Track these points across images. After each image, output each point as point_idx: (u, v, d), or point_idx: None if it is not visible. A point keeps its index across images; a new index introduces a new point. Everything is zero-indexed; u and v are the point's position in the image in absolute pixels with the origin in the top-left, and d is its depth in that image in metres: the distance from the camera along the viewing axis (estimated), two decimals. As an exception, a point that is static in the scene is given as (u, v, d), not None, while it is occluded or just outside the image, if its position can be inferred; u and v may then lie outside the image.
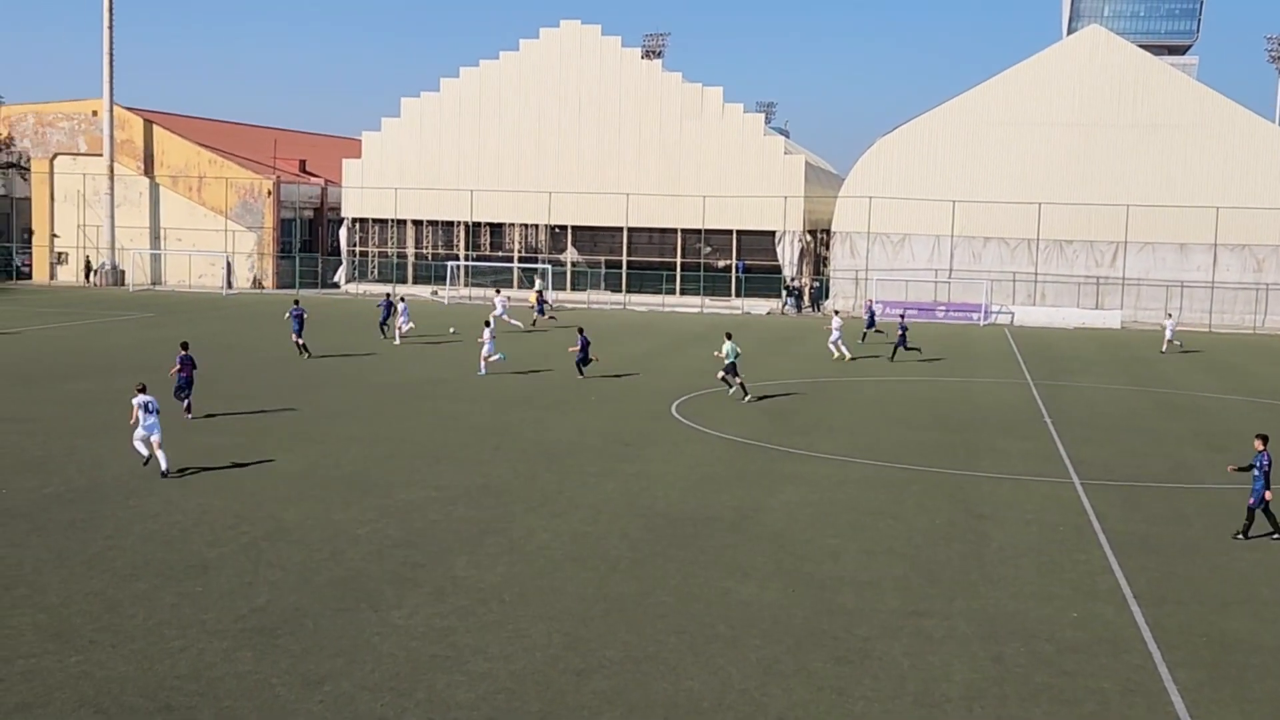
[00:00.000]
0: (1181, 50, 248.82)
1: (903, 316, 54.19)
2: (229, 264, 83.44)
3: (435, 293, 79.77)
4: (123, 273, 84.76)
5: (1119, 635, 16.73)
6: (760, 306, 76.28)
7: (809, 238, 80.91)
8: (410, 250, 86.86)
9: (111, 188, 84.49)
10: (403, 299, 55.48)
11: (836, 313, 54.86)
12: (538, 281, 72.22)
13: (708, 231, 79.81)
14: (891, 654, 15.70)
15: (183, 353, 31.98)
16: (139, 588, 17.39)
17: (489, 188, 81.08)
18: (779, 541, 20.94)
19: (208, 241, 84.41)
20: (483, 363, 41.80)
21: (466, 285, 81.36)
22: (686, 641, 15.88)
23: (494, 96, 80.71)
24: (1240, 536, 21.89)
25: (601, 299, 78.49)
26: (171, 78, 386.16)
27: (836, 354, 49.19)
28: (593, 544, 20.40)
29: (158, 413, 24.72)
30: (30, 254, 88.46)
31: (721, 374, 38.15)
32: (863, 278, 75.13)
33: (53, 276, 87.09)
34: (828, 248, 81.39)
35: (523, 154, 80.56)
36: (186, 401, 31.60)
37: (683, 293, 79.46)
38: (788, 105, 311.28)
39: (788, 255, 76.84)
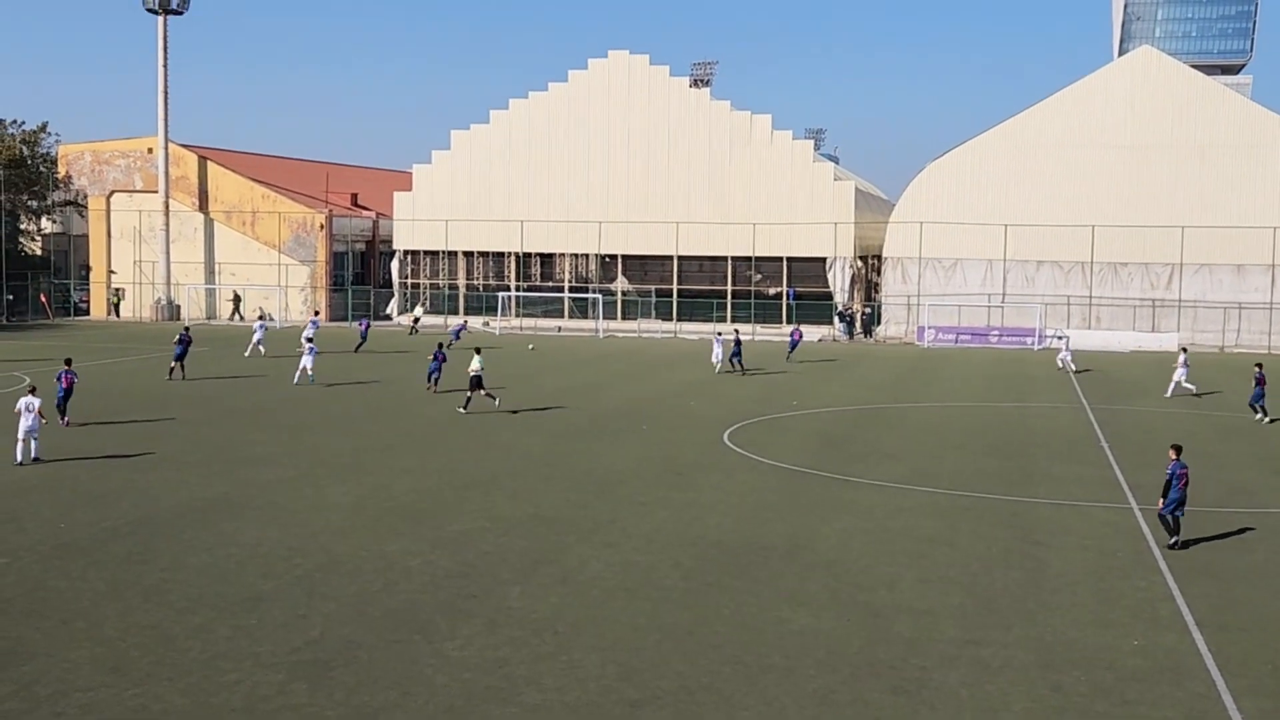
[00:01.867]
0: (1235, 70, 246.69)
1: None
2: (279, 297, 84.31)
3: (487, 323, 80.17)
4: (178, 307, 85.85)
5: (1181, 663, 16.44)
6: (812, 333, 76.01)
7: (860, 264, 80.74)
8: (461, 281, 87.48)
9: (167, 224, 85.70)
10: (261, 318, 58.54)
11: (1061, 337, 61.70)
12: (419, 309, 75.32)
13: (758, 259, 79.81)
14: (949, 684, 15.51)
15: (65, 368, 36.21)
16: (194, 621, 17.51)
17: (539, 218, 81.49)
18: (833, 570, 20.79)
19: (262, 276, 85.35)
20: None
21: (518, 315, 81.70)
22: (741, 672, 15.76)
23: (543, 128, 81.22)
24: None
25: (652, 327, 78.54)
26: (225, 114, 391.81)
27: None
28: (645, 573, 20.33)
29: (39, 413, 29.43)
30: (89, 290, 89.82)
31: (483, 392, 39.43)
32: (915, 303, 74.78)
33: (109, 313, 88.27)
34: (879, 273, 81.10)
35: (572, 184, 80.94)
36: (64, 415, 35.39)
37: (734, 320, 79.37)
38: (837, 131, 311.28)
39: (839, 281, 76.62)
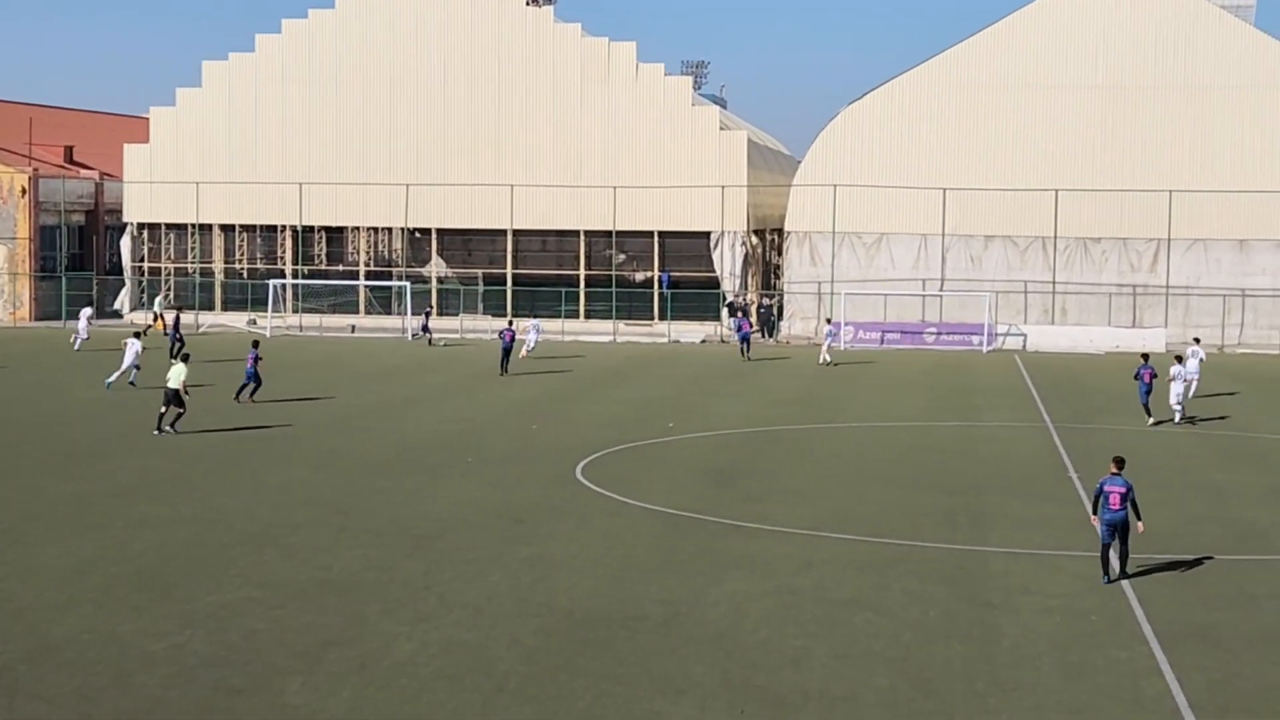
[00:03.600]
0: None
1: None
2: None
3: (253, 321, 79.17)
4: None
5: (1173, 757, 16.94)
6: (693, 332, 76.57)
7: (755, 240, 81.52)
8: (218, 265, 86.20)
9: None
10: None
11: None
12: (159, 301, 74.91)
13: (620, 234, 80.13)
14: (875, 791, 15.76)
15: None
16: None
17: (324, 180, 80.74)
18: (724, 645, 20.97)
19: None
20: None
21: (296, 310, 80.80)
22: (602, 783, 15.82)
23: (328, 59, 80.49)
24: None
25: (480, 325, 78.28)
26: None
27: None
28: (473, 656, 20.28)
29: None
30: None
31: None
32: (827, 291, 75.73)
33: None
34: (780, 253, 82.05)
35: (370, 135, 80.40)
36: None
37: (589, 315, 79.56)
38: (724, 65, 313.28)
39: (727, 264, 77.27)
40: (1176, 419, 45.39)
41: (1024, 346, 72.73)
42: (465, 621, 22.03)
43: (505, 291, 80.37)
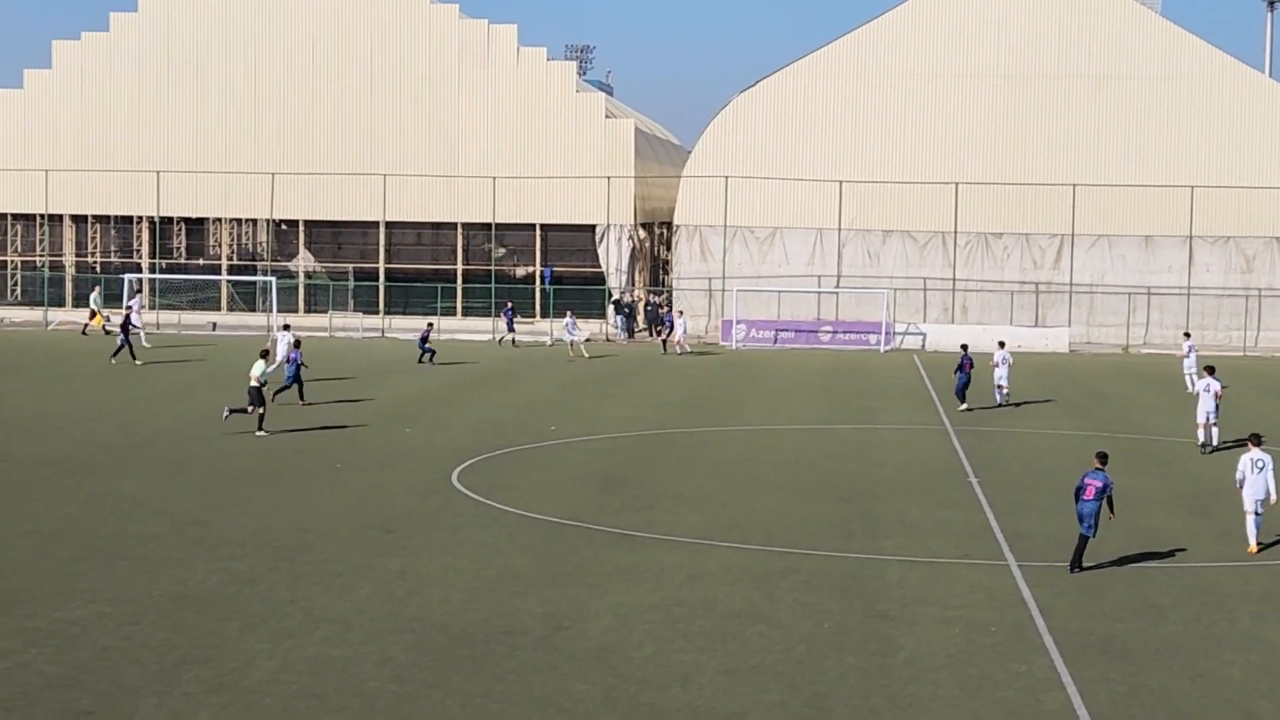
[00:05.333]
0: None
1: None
2: None
3: (108, 319, 78.14)
4: None
5: (1075, 774, 17.12)
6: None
7: (643, 234, 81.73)
8: (69, 258, 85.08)
9: None
10: None
11: None
12: (94, 298, 74.03)
13: (500, 227, 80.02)
14: (765, 813, 15.80)
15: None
16: None
17: (184, 168, 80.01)
18: (607, 660, 20.96)
19: None
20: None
21: (154, 307, 79.90)
22: (477, 808, 15.76)
23: (188, 38, 79.84)
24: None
25: (349, 323, 77.80)
26: None
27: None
28: (340, 674, 20.14)
29: None
30: None
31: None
32: (718, 288, 76.04)
33: None
34: (669, 247, 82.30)
35: (233, 120, 79.79)
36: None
37: (467, 313, 79.34)
38: (610, 50, 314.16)
39: (613, 259, 77.38)
40: (1204, 438, 42.41)
41: (923, 346, 73.37)
42: (333, 638, 21.85)
43: (378, 287, 79.96)
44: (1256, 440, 28.96)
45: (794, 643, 22.01)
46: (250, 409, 41.29)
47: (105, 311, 73.46)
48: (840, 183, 75.17)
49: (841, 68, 76.16)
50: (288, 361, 47.96)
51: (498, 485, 34.34)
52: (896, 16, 76.29)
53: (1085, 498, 26.22)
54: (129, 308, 68.54)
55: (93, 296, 75.55)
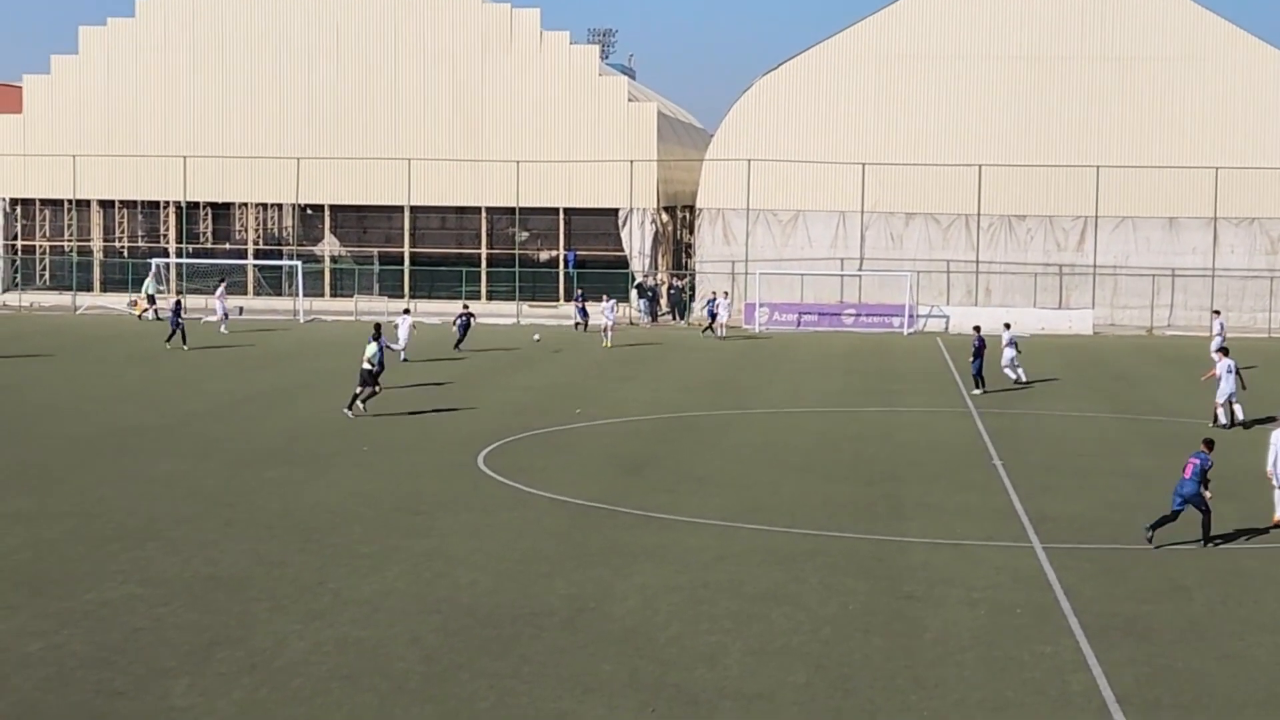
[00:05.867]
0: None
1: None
2: None
3: (135, 303, 78.38)
4: None
5: (1100, 754, 17.13)
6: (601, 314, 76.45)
7: (665, 217, 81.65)
8: (97, 244, 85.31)
9: None
10: None
11: None
12: (148, 283, 74.09)
13: (524, 211, 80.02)
14: (792, 792, 15.85)
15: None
16: None
17: (210, 153, 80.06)
18: (633, 642, 21.01)
19: None
20: None
21: (180, 291, 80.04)
22: (506, 787, 15.83)
23: (215, 24, 79.82)
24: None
25: (375, 307, 77.83)
26: None
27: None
28: (369, 655, 20.22)
29: None
30: None
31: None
32: (741, 271, 75.98)
33: None
34: (693, 231, 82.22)
35: (259, 105, 79.81)
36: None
37: (491, 296, 79.39)
38: (632, 34, 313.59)
39: (636, 242, 77.36)
40: (1224, 418, 42.58)
41: (946, 328, 73.22)
42: (361, 619, 21.93)
43: (402, 271, 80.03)
44: None
45: (819, 624, 22.03)
46: (362, 390, 41.83)
47: (142, 297, 74.31)
48: (863, 165, 75.01)
49: (864, 50, 75.96)
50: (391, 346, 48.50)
51: (523, 468, 34.40)
52: (919, -1, 76.13)
53: (1183, 475, 26.98)
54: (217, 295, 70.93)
55: (146, 282, 75.77)
